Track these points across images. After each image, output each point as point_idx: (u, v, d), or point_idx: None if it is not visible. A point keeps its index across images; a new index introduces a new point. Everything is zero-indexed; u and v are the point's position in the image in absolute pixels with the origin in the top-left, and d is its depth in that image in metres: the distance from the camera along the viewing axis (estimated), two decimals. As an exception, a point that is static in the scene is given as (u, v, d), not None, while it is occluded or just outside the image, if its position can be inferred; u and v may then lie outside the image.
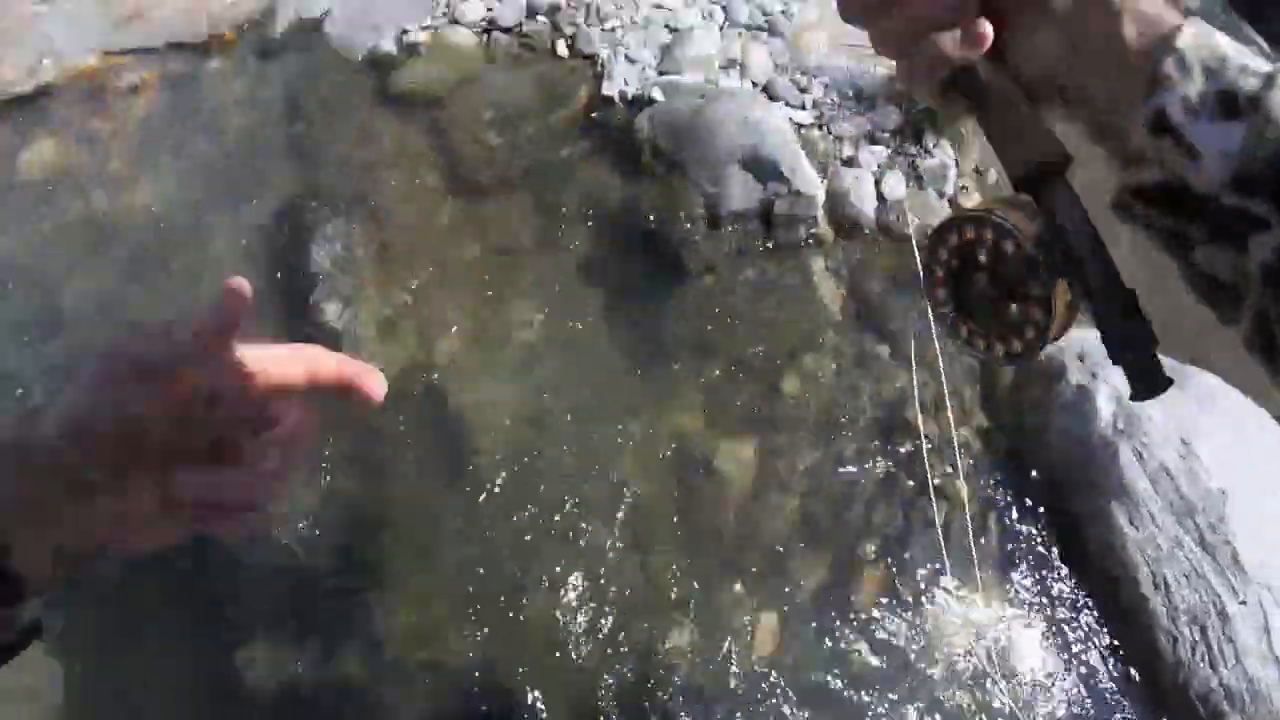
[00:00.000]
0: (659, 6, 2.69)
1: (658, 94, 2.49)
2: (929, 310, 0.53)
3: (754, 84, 2.61)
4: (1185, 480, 1.83)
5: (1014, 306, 0.50)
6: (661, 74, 2.54)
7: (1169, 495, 1.84)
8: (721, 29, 2.71)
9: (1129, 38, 0.44)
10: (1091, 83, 0.46)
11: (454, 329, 2.33)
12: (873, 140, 2.59)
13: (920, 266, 0.47)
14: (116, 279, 2.57)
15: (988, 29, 0.45)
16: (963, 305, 0.53)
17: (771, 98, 2.60)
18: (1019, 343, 0.51)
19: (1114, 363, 0.45)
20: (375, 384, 0.45)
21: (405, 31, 2.74)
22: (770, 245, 2.39)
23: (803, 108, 2.61)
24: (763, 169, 2.35)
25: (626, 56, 2.56)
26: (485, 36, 2.68)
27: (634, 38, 2.61)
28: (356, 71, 2.76)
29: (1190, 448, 1.87)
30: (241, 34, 3.20)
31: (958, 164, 2.63)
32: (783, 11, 2.80)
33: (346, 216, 2.53)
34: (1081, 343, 2.10)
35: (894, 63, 0.50)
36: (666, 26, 2.63)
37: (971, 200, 2.66)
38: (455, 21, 2.71)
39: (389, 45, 2.74)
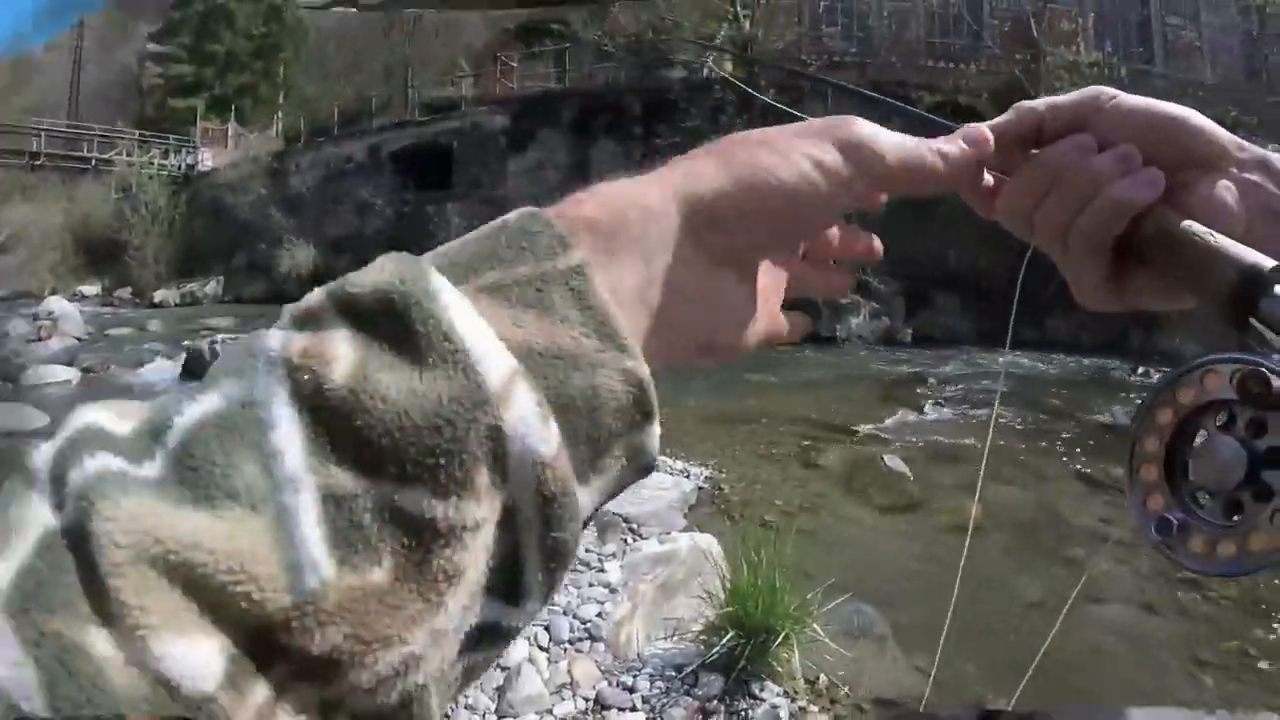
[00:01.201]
0: (487, 645, 2.95)
1: (498, 747, 2.64)
2: (1140, 528, 0.41)
3: (585, 699, 2.85)
4: None
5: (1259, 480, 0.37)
6: (501, 718, 2.71)
7: None
8: (547, 649, 3.01)
9: None
10: (1265, 239, 0.44)
11: None
12: (705, 715, 2.85)
13: (1126, 476, 0.40)
14: None
15: (1160, 173, 0.45)
16: (1183, 505, 0.40)
17: (604, 708, 2.83)
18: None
19: None
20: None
21: None
22: None
23: (634, 708, 2.86)
24: (614, 810, 2.48)
25: (466, 705, 2.73)
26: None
27: (469, 683, 2.81)
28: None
29: None
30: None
31: (788, 693, 2.91)
32: (598, 615, 3.18)
33: None
34: None
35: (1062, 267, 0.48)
36: (497, 666, 2.88)
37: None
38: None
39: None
